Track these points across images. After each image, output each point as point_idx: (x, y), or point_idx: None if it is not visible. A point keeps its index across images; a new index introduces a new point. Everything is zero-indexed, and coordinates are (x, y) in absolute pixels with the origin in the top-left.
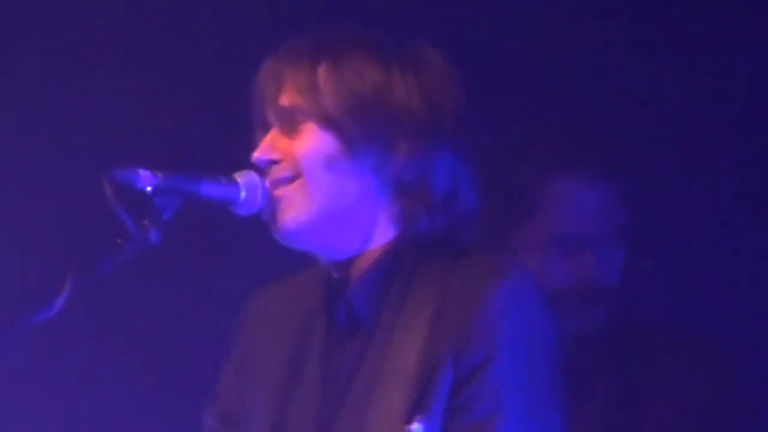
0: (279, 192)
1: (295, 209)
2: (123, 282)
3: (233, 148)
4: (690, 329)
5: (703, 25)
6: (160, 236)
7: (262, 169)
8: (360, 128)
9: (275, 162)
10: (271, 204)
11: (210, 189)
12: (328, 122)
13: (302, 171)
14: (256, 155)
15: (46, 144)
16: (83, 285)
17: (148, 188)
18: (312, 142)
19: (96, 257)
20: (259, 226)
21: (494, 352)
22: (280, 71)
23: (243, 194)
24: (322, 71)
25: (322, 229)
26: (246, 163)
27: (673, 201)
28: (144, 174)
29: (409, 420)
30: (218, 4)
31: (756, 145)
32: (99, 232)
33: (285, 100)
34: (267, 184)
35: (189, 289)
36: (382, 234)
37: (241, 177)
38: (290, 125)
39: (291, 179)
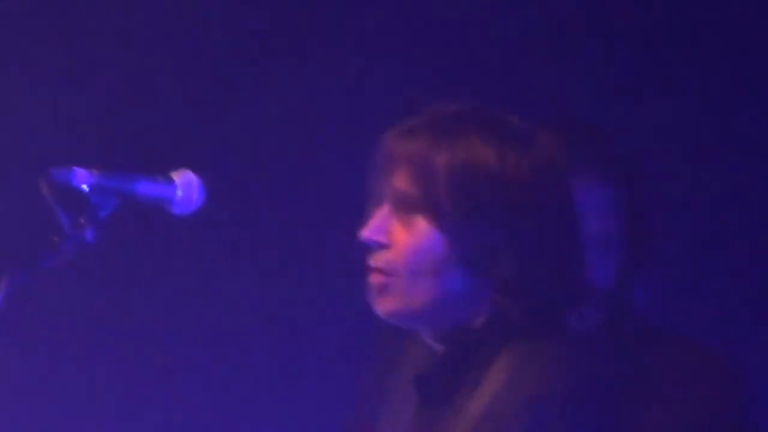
0: (379, 279)
1: (393, 302)
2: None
3: (171, 146)
4: (689, 335)
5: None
6: (96, 235)
7: (366, 246)
8: (471, 228)
9: (381, 246)
10: (371, 283)
11: (146, 188)
12: (439, 221)
13: (405, 267)
14: (366, 234)
15: None
16: (20, 283)
17: (85, 186)
18: (421, 240)
19: (33, 255)
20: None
21: None
22: (396, 149)
23: (179, 193)
24: (439, 159)
25: (421, 318)
26: (183, 162)
27: (672, 205)
28: (80, 172)
29: None
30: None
31: (753, 149)
32: (35, 231)
33: (399, 182)
34: (370, 263)
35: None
36: (478, 314)
37: (178, 176)
38: (404, 209)
39: (392, 273)
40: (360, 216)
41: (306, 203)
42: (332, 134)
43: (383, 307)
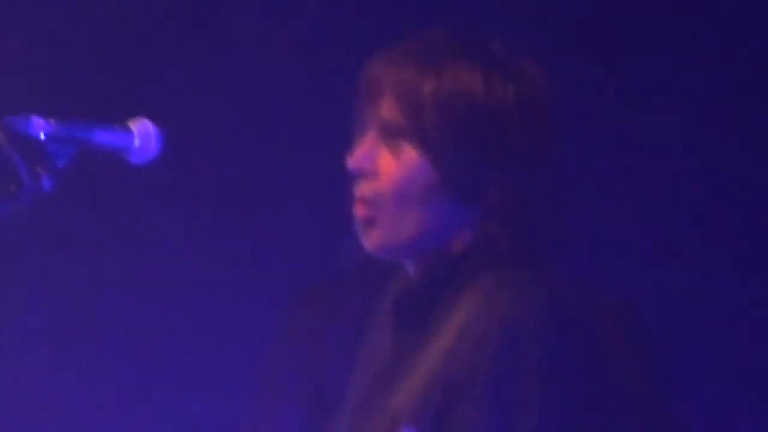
0: (366, 210)
1: (382, 232)
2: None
3: (128, 96)
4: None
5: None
6: (53, 183)
7: (353, 176)
8: (459, 155)
9: (367, 175)
10: (357, 215)
11: (104, 136)
12: (427, 148)
13: (393, 197)
14: (353, 163)
15: None
16: None
17: (42, 135)
18: (410, 168)
19: None
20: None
21: (477, 380)
22: (381, 77)
23: (137, 142)
24: (426, 86)
25: (408, 250)
26: (141, 112)
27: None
28: (37, 121)
29: (404, 424)
30: None
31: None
32: None
33: (386, 110)
34: (354, 191)
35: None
36: (460, 241)
37: (135, 125)
38: (390, 138)
39: (380, 203)
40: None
41: (266, 154)
42: (297, 79)
43: (372, 241)
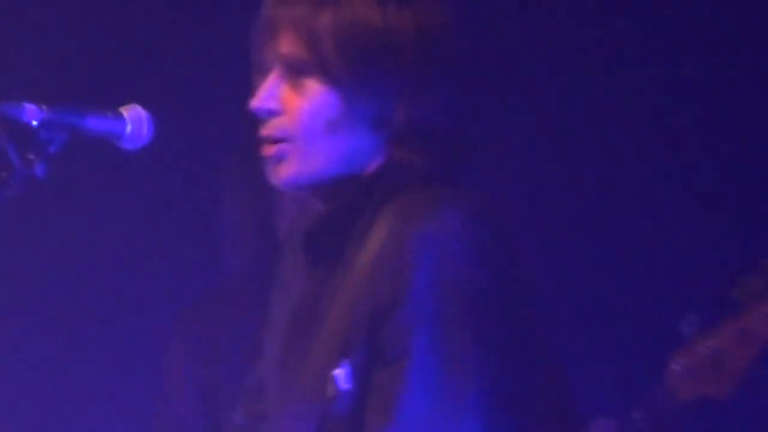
0: (275, 147)
1: (293, 168)
2: None
3: (121, 82)
4: None
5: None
6: (45, 170)
7: (259, 117)
8: (362, 84)
9: (273, 113)
10: (266, 153)
11: (96, 123)
12: (330, 80)
13: (301, 131)
14: (256, 103)
15: None
16: None
17: (34, 122)
18: (315, 102)
19: None
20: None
21: (401, 296)
22: (278, 15)
23: (129, 128)
24: (323, 19)
25: (320, 182)
26: (132, 99)
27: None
28: (29, 107)
29: (336, 364)
30: None
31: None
32: None
33: (285, 47)
34: (261, 131)
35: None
36: (369, 166)
37: (127, 111)
38: (292, 74)
39: (288, 139)
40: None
41: None
42: None
43: (284, 173)
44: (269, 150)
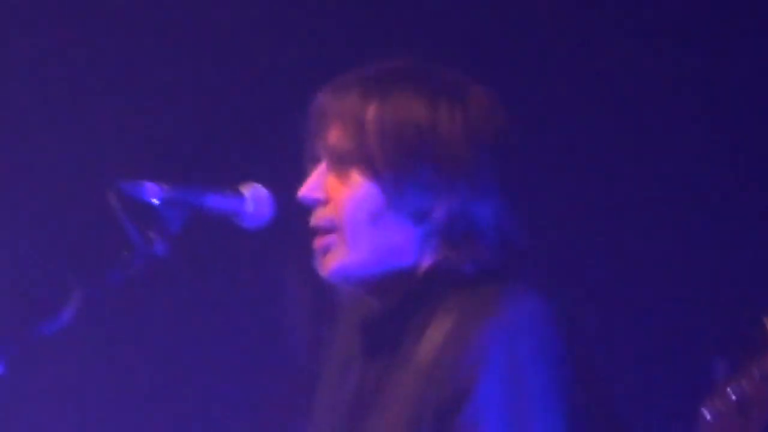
0: (321, 238)
1: (338, 259)
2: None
3: (236, 159)
4: None
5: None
6: (166, 248)
7: (306, 206)
8: (403, 178)
9: (319, 203)
10: (315, 244)
11: (216, 201)
12: (373, 172)
13: (344, 221)
14: (303, 192)
15: (54, 156)
16: (90, 297)
17: (155, 200)
18: (359, 193)
19: (103, 269)
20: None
21: (470, 391)
22: (327, 106)
23: (250, 206)
24: (369, 112)
25: (365, 275)
26: (249, 175)
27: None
28: (150, 186)
29: None
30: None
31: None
32: (106, 245)
33: (333, 138)
34: (311, 223)
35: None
36: (418, 263)
37: (248, 189)
38: (339, 164)
39: (333, 228)
40: None
41: None
42: None
43: (329, 264)
44: (317, 242)
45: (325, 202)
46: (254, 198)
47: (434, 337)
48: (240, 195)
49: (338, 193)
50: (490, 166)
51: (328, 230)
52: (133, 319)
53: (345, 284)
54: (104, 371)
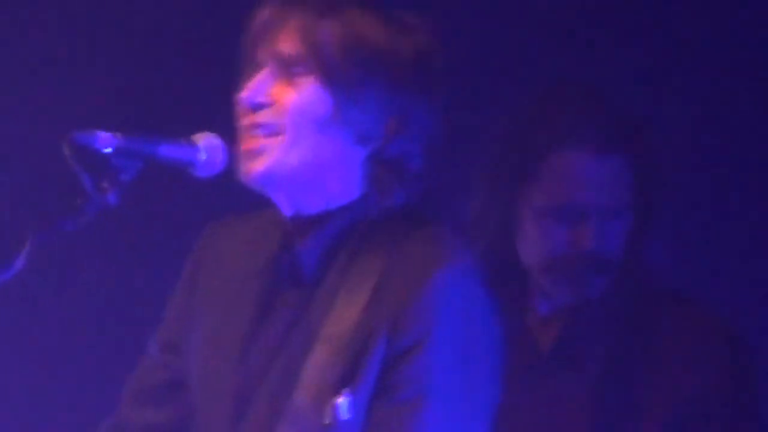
0: (257, 140)
1: (271, 159)
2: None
3: (192, 111)
4: (699, 301)
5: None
6: (119, 198)
7: (245, 109)
8: (357, 92)
9: (262, 106)
10: (243, 147)
11: (170, 151)
12: (328, 79)
13: (288, 124)
14: (245, 94)
15: (6, 107)
16: (43, 245)
17: (108, 150)
18: (308, 96)
19: (56, 218)
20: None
21: (427, 337)
22: (283, 14)
23: (203, 156)
24: (328, 24)
25: (292, 184)
26: (205, 127)
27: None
28: (103, 135)
29: (336, 391)
30: None
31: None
32: (58, 193)
33: (286, 45)
34: (243, 123)
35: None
36: (346, 195)
37: (201, 139)
38: (287, 72)
39: (273, 131)
40: None
41: None
42: None
43: (258, 166)
44: (251, 142)
45: (270, 104)
46: (207, 147)
47: (368, 270)
48: (193, 144)
49: (285, 96)
50: (433, 99)
51: (270, 129)
52: (83, 267)
53: (266, 189)
54: (53, 320)
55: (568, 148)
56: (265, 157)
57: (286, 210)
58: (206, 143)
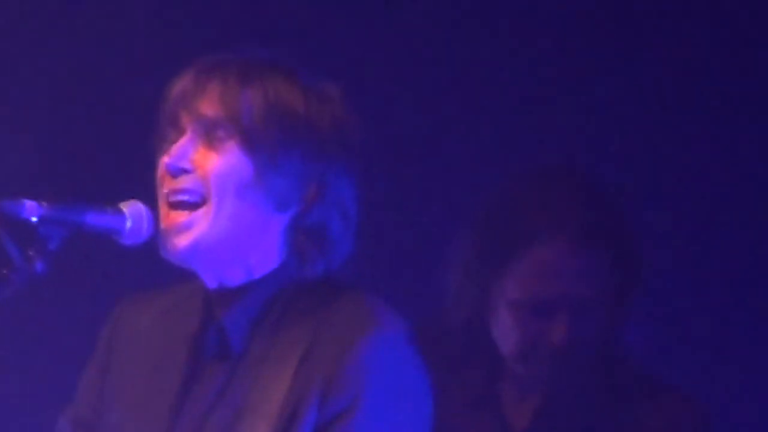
0: (180, 215)
1: (196, 233)
2: None
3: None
4: (674, 387)
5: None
6: (45, 266)
7: (166, 175)
8: (277, 158)
9: (185, 171)
10: (167, 221)
11: (96, 219)
12: (249, 143)
13: (212, 191)
14: (168, 160)
15: None
16: None
17: (34, 218)
18: (229, 161)
19: None
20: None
21: (358, 401)
22: (205, 80)
23: (129, 224)
24: (249, 90)
25: (216, 256)
26: (132, 194)
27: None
28: (29, 204)
29: None
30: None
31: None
32: None
33: (208, 109)
34: (165, 190)
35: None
36: (268, 265)
37: (127, 207)
38: (208, 137)
39: (196, 200)
40: None
41: None
42: None
43: (185, 240)
44: (175, 217)
45: (190, 171)
46: (133, 215)
47: (294, 338)
48: (119, 212)
49: (207, 162)
50: (348, 168)
51: (192, 205)
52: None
53: (191, 264)
54: None
55: (546, 244)
56: (192, 231)
57: (210, 282)
58: (132, 211)
